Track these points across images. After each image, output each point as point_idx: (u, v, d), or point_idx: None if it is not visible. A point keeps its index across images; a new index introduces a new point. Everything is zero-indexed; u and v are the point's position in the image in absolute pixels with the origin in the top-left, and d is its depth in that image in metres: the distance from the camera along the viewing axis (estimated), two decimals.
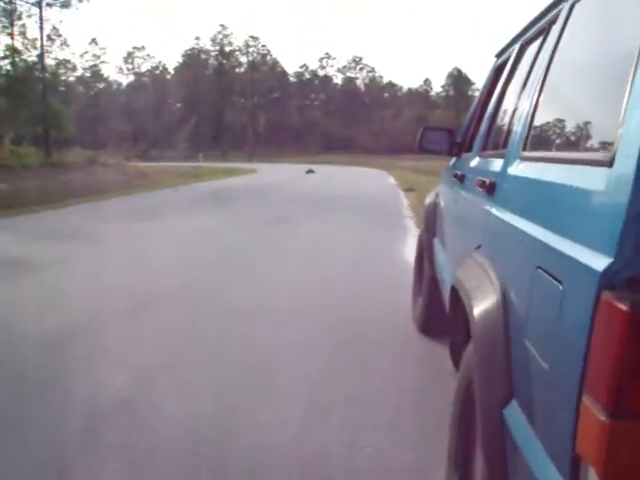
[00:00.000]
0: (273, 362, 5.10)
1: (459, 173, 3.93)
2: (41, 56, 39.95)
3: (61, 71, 44.54)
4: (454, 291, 2.82)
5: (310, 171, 41.67)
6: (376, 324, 6.13)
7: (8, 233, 13.37)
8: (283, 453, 3.57)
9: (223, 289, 7.82)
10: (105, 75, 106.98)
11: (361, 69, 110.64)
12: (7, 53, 41.41)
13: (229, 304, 6.98)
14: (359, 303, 6.99)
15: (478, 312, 2.23)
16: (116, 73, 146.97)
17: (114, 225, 14.49)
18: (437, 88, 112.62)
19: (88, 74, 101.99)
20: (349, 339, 5.67)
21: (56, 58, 44.13)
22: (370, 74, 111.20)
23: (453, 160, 4.88)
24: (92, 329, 6.09)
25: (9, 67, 41.85)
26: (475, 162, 3.59)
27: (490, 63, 4.51)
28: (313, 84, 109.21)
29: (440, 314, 5.04)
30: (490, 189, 2.70)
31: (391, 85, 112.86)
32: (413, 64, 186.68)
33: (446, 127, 5.26)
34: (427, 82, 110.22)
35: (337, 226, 13.76)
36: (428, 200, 5.93)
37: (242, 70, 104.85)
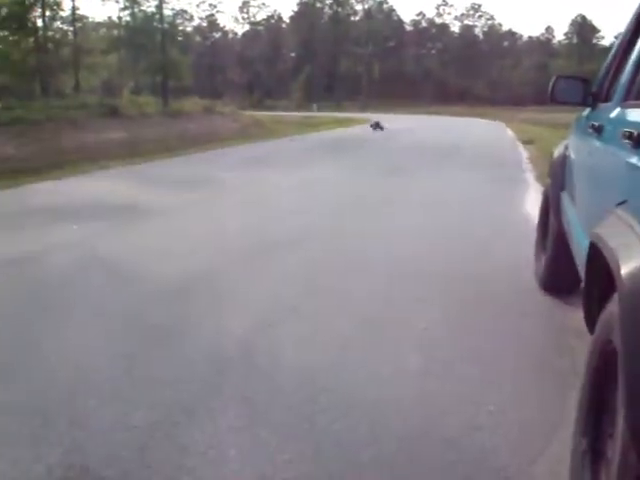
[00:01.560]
0: (392, 314, 5.07)
1: (596, 124, 3.73)
2: (159, 7, 40.60)
3: (178, 21, 45.27)
4: (593, 248, 2.68)
5: (424, 121, 41.07)
6: (497, 280, 6.00)
7: (130, 180, 13.79)
8: (403, 407, 3.55)
9: (340, 239, 7.83)
10: (221, 25, 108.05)
11: (479, 17, 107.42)
12: (127, 4, 42.40)
13: (347, 254, 6.99)
14: (478, 258, 6.86)
15: (627, 270, 2.11)
16: (232, 23, 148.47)
17: (233, 173, 14.72)
18: (559, 36, 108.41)
19: (204, 24, 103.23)
20: (468, 294, 5.57)
21: (173, 8, 44.77)
22: (489, 22, 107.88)
23: (587, 111, 4.65)
24: (213, 274, 6.21)
25: (129, 18, 42.87)
26: (616, 112, 3.39)
27: (621, 9, 4.23)
28: (429, 32, 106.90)
29: (565, 270, 4.88)
30: (637, 141, 2.54)
31: (510, 33, 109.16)
32: (534, 11, 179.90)
33: (580, 76, 5.01)
34: (549, 30, 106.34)
35: (454, 178, 13.56)
36: (556, 153, 5.70)
37: (357, 18, 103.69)
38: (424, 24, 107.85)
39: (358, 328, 4.74)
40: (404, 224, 8.69)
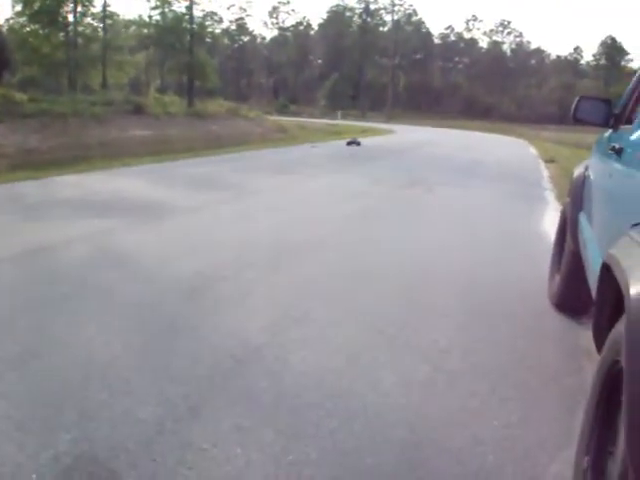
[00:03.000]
0: (404, 325, 5.08)
1: (617, 146, 3.74)
2: (190, 7, 40.84)
3: (208, 23, 45.38)
4: (605, 268, 2.70)
5: (448, 135, 41.02)
6: (509, 295, 6.00)
7: (152, 178, 13.89)
8: (407, 417, 3.57)
9: (357, 246, 7.86)
10: (250, 29, 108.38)
11: (508, 33, 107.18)
12: (157, 4, 42.66)
13: (363, 261, 7.03)
14: (492, 272, 6.86)
15: (636, 291, 2.13)
16: (261, 27, 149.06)
17: (252, 176, 14.81)
18: (587, 57, 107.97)
19: (234, 27, 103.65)
20: (480, 308, 5.58)
21: (204, 10, 44.96)
22: (517, 39, 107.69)
23: (608, 132, 4.66)
24: (233, 275, 6.26)
25: (159, 17, 43.15)
26: (637, 135, 3.40)
27: None
28: (457, 47, 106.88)
29: (579, 290, 4.88)
30: None
31: (538, 51, 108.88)
32: (563, 30, 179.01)
33: (603, 97, 5.03)
34: (577, 50, 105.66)
35: (474, 192, 13.56)
36: (576, 173, 5.70)
37: (386, 29, 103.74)
38: (452, 38, 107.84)
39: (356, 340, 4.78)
40: (415, 235, 8.72)
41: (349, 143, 27.56)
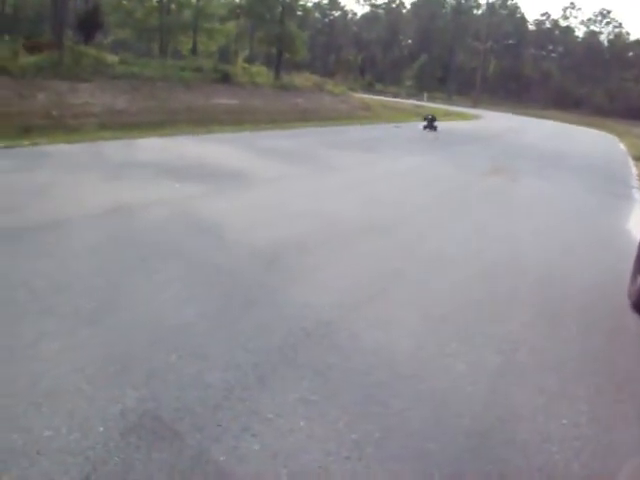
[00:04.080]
0: (474, 314, 5.00)
1: None
2: None
3: None
4: None
5: (535, 125, 40.11)
6: (587, 294, 5.84)
7: (235, 146, 13.99)
8: (475, 408, 3.51)
9: (432, 230, 7.78)
10: (342, 4, 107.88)
11: (607, 23, 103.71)
12: None
13: (434, 247, 6.95)
14: (572, 268, 6.71)
15: None
16: (352, 3, 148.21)
17: (334, 152, 14.79)
18: None
19: (326, 1, 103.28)
20: (556, 303, 5.46)
21: None
22: (616, 29, 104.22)
23: None
24: (311, 248, 6.26)
25: None
26: None
27: None
28: (552, 34, 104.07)
29: None
30: None
31: (638, 44, 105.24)
32: None
33: None
34: None
35: (557, 185, 13.25)
36: None
37: (480, 12, 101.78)
38: (548, 25, 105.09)
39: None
40: (493, 225, 8.57)
41: (426, 127, 23.93)
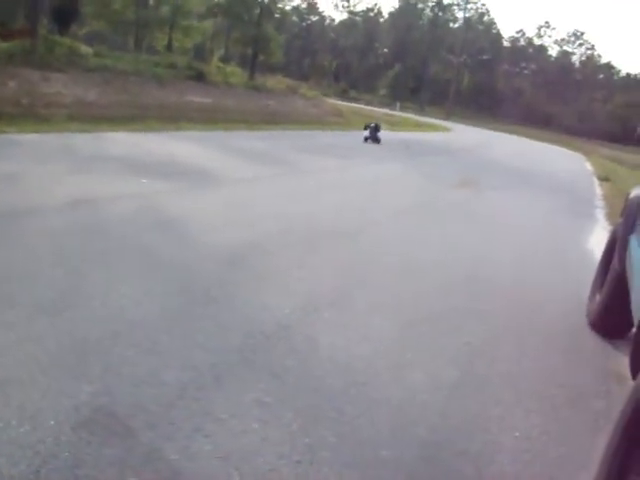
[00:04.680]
0: (437, 324, 5.05)
1: None
2: None
3: None
4: None
5: (505, 140, 40.53)
6: (545, 311, 5.92)
7: (204, 145, 13.95)
8: (431, 418, 3.54)
9: (396, 237, 7.84)
10: (320, 9, 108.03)
11: (580, 45, 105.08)
12: None
13: (398, 256, 6.99)
14: (529, 282, 6.80)
15: None
16: (331, 9, 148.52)
17: (303, 155, 14.83)
18: None
19: (304, 5, 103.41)
20: (512, 319, 5.52)
21: None
22: (588, 51, 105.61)
23: None
24: (274, 250, 6.27)
25: None
26: None
27: None
28: (526, 52, 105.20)
29: (618, 312, 4.80)
30: None
31: (608, 67, 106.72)
32: (637, 48, 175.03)
33: None
34: None
35: (522, 201, 13.42)
36: (633, 194, 5.58)
37: (456, 26, 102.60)
38: (522, 42, 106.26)
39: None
40: (455, 235, 8.65)
41: (368, 138, 21.38)
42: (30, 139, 11.26)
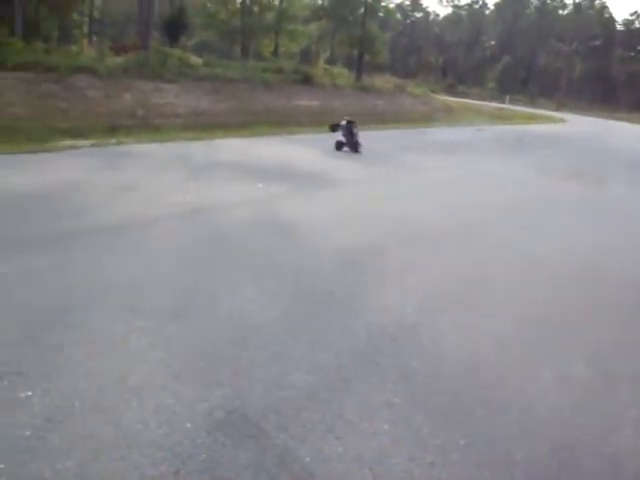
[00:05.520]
0: (562, 320, 4.89)
1: None
2: None
3: None
4: None
5: (624, 130, 38.98)
6: None
7: (316, 148, 13.98)
8: (563, 418, 3.42)
9: (513, 234, 7.64)
10: (424, 5, 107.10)
11: None
12: None
13: (519, 250, 6.82)
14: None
15: None
16: (435, 4, 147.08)
17: (415, 154, 14.71)
18: None
19: (408, 2, 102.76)
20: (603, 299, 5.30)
21: None
22: None
23: None
24: (393, 251, 6.23)
25: None
26: None
27: None
28: None
29: None
30: None
31: None
32: None
33: None
34: None
35: (627, 193, 12.83)
36: None
37: (565, 12, 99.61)
38: (637, 25, 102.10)
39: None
40: (575, 232, 8.37)
41: (341, 144, 13.68)
42: (147, 149, 11.60)
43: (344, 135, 13.73)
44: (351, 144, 13.64)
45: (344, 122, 13.94)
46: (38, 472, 2.57)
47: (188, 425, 2.93)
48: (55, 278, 4.64)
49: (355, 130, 13.77)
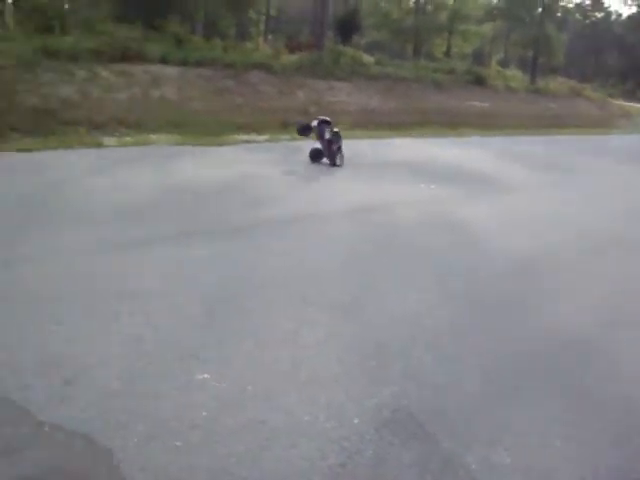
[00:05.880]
0: None
1: None
2: None
3: None
4: None
5: None
6: None
7: (486, 150, 13.74)
8: None
9: None
10: (606, 4, 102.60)
11: None
12: None
13: None
14: None
15: None
16: (618, 3, 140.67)
17: (584, 161, 14.11)
18: None
19: (588, 1, 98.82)
20: None
21: None
22: None
23: None
24: (567, 259, 6.04)
25: None
26: None
27: None
28: None
29: None
30: None
31: None
32: None
33: None
34: None
35: None
36: None
37: None
38: None
39: None
40: None
41: (315, 155, 10.41)
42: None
43: (323, 140, 10.26)
44: (329, 153, 10.22)
45: (315, 123, 10.43)
46: (212, 453, 2.67)
47: (356, 421, 2.96)
48: (237, 262, 5.00)
49: (331, 134, 10.27)
